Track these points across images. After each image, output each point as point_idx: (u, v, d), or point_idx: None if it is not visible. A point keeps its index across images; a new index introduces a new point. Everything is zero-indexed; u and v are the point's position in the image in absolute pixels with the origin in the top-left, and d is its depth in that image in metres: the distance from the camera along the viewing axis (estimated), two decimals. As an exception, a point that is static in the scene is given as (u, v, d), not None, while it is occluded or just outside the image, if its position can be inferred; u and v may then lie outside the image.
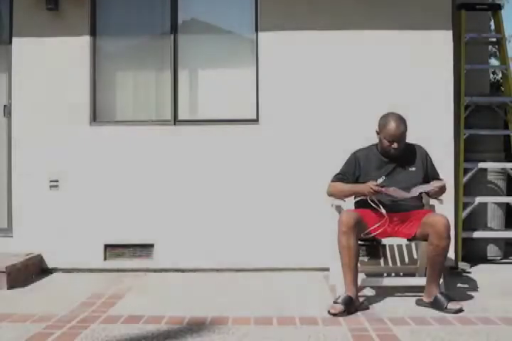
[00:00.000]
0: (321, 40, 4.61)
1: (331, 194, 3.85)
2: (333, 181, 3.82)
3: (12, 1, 4.65)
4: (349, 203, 3.86)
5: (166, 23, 4.75)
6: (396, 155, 3.69)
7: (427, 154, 3.82)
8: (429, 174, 3.77)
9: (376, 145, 3.84)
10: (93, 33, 4.70)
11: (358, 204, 3.78)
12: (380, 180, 3.62)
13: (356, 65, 4.61)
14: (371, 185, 3.55)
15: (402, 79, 4.60)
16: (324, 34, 4.61)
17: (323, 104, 4.61)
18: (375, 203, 3.62)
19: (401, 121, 3.66)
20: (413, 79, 4.59)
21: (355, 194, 3.75)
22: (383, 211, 3.60)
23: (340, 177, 3.80)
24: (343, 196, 3.83)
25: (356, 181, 3.76)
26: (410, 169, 3.73)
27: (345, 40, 4.61)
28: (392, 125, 3.63)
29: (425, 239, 3.54)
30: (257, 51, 4.68)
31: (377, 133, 3.75)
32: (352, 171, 3.78)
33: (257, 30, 4.67)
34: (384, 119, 3.71)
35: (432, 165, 3.81)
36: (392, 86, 4.59)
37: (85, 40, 4.68)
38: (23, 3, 4.64)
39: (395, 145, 3.64)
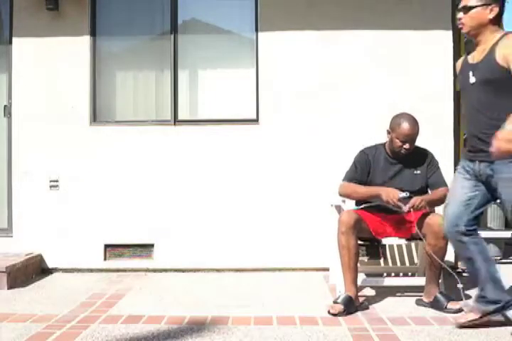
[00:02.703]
0: (321, 39, 4.62)
1: (344, 195, 3.73)
2: (347, 181, 3.69)
3: (12, 1, 4.66)
4: (349, 203, 3.85)
5: (166, 23, 4.75)
6: (404, 156, 3.63)
7: (432, 159, 3.73)
8: (431, 179, 3.66)
9: (383, 144, 3.77)
10: (93, 33, 4.71)
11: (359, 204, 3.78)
12: (403, 194, 3.44)
13: (356, 65, 4.61)
14: (395, 195, 3.41)
15: (402, 79, 4.60)
16: (324, 34, 4.62)
17: (323, 104, 4.62)
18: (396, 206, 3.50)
19: (415, 122, 3.59)
20: (413, 79, 4.59)
21: (373, 198, 3.57)
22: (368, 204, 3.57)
23: (353, 176, 3.69)
24: (358, 198, 3.71)
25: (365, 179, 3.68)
26: (415, 172, 3.66)
27: (345, 39, 4.61)
28: (406, 125, 3.55)
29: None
30: (257, 51, 4.68)
31: (389, 132, 3.66)
32: (365, 170, 3.68)
33: (257, 30, 4.68)
34: (398, 119, 3.62)
35: (436, 172, 3.69)
36: (391, 86, 4.59)
37: (85, 40, 4.68)
38: (23, 3, 4.64)
39: (407, 145, 3.57)
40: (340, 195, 3.75)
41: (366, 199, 3.64)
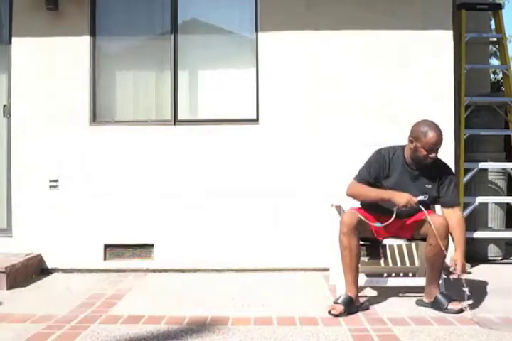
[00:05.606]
0: (321, 39, 4.62)
1: (352, 195, 3.56)
2: (357, 181, 3.54)
3: (12, 1, 4.66)
4: (350, 204, 3.83)
5: (166, 23, 4.75)
6: (423, 165, 3.51)
7: (450, 175, 3.58)
8: (444, 198, 3.52)
9: (402, 148, 3.62)
10: (93, 33, 4.70)
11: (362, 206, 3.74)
12: (420, 197, 3.39)
13: (356, 65, 4.61)
14: (412, 199, 3.35)
15: (402, 79, 4.60)
16: (324, 34, 4.61)
17: (323, 104, 4.61)
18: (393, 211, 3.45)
19: (440, 130, 3.47)
20: (413, 79, 4.59)
21: (384, 201, 3.46)
22: (390, 220, 3.47)
23: (365, 177, 3.54)
24: (366, 201, 3.58)
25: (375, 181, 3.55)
26: (427, 186, 3.54)
27: (345, 39, 4.61)
28: (433, 134, 3.42)
29: (424, 239, 3.52)
30: (257, 51, 4.68)
31: (411, 141, 3.49)
32: (378, 170, 3.54)
33: (257, 30, 4.68)
34: (422, 128, 3.46)
35: (449, 189, 3.52)
36: (392, 86, 4.59)
37: (85, 40, 4.68)
38: (23, 3, 4.64)
39: (433, 155, 3.45)
40: (348, 194, 3.58)
41: (374, 202, 3.53)
